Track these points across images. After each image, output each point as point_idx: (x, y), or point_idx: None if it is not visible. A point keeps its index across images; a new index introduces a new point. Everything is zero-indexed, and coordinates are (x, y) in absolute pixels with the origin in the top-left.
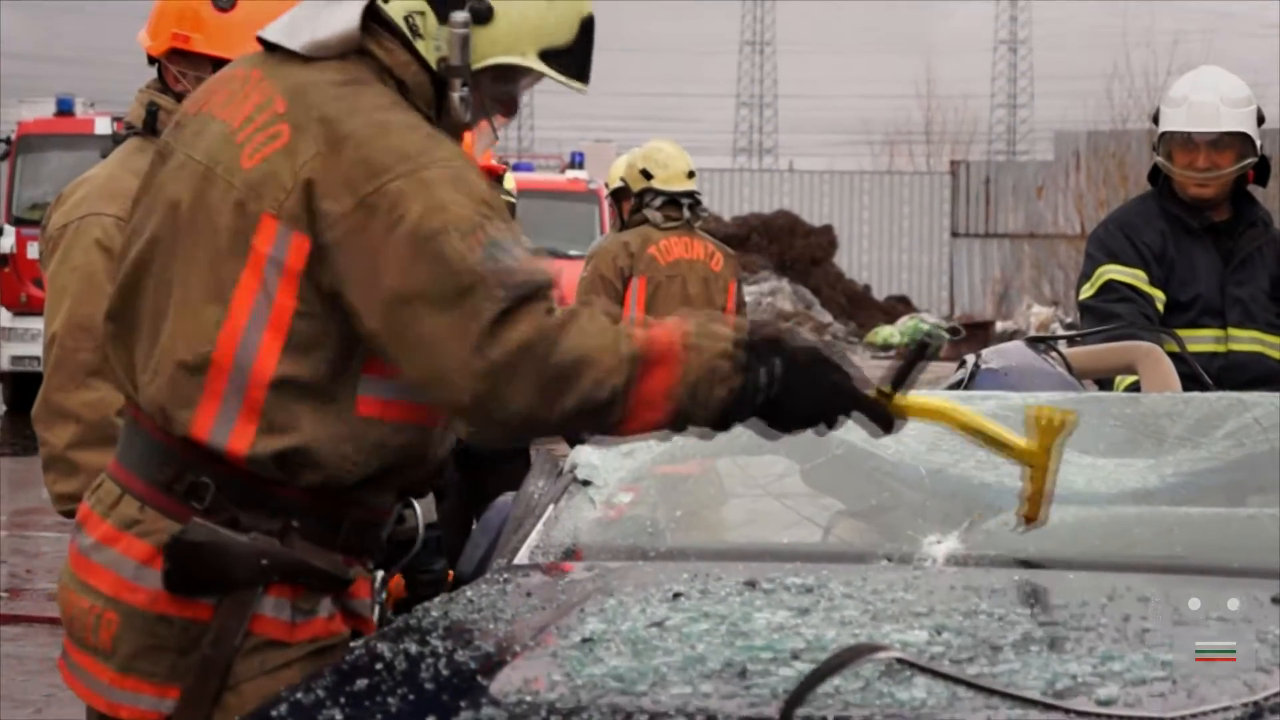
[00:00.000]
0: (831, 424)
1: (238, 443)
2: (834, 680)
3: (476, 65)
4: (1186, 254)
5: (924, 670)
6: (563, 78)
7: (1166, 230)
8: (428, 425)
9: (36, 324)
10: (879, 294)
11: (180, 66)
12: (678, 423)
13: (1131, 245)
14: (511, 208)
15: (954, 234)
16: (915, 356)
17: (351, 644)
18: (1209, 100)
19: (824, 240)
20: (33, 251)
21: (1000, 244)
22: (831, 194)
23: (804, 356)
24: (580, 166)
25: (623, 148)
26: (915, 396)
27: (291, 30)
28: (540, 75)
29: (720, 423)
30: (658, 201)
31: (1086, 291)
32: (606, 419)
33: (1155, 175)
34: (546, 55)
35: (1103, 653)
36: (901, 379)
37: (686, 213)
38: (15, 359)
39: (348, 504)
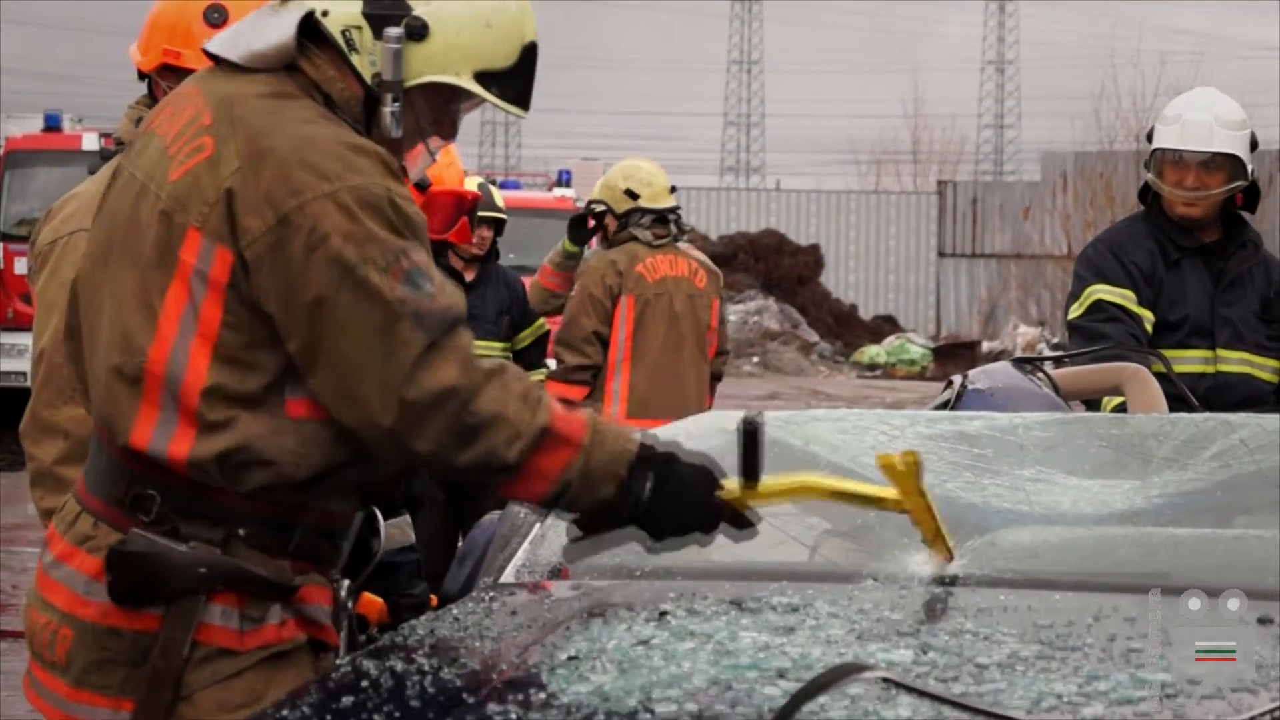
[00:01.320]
0: (707, 532)
1: (177, 448)
2: (820, 699)
3: (410, 83)
4: (1175, 274)
5: (910, 690)
6: (499, 101)
7: (1155, 250)
8: None
9: (23, 339)
10: (865, 313)
11: (171, 82)
12: (559, 502)
13: (1120, 265)
14: (500, 224)
15: (941, 254)
16: (750, 443)
17: (337, 661)
18: (1203, 120)
19: (811, 259)
20: (20, 267)
21: (987, 264)
22: (818, 213)
23: (688, 477)
24: (568, 185)
25: (610, 166)
26: (773, 480)
27: (233, 41)
28: (479, 99)
29: (595, 518)
30: (646, 220)
31: (1075, 311)
32: (499, 477)
33: (1145, 194)
34: (484, 77)
35: (1088, 672)
36: (752, 468)
37: (674, 228)
38: (2, 374)
39: (299, 510)
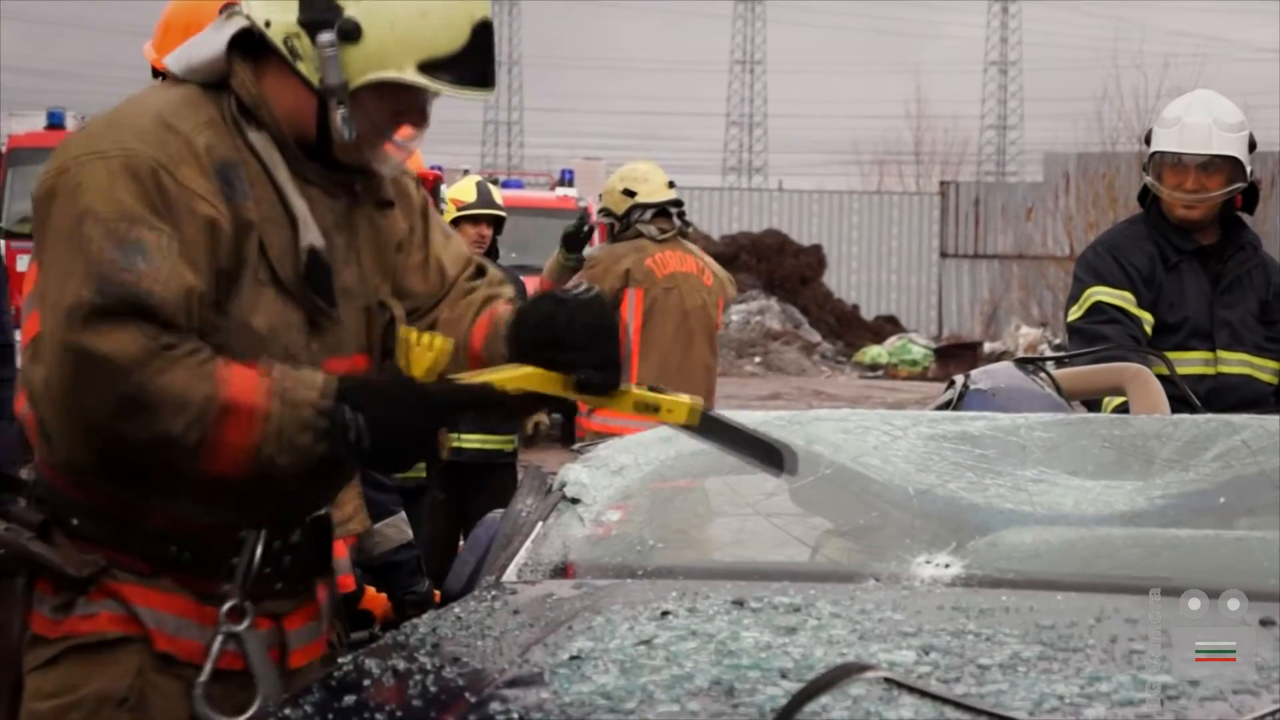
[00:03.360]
0: (433, 441)
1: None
2: (822, 699)
3: (354, 83)
4: (1174, 277)
5: (911, 690)
6: (449, 89)
7: (1155, 253)
8: None
9: None
10: (867, 314)
11: None
12: (263, 467)
13: (1119, 267)
14: (499, 222)
15: (943, 254)
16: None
17: (340, 660)
18: (1202, 123)
19: (813, 260)
20: (23, 265)
21: (989, 265)
22: (820, 213)
23: (389, 390)
24: (570, 184)
25: (612, 165)
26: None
27: (181, 56)
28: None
29: (321, 472)
30: (648, 215)
31: (1074, 313)
32: (185, 457)
33: (1144, 196)
34: (430, 67)
35: (1090, 673)
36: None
37: (677, 221)
38: None
39: (135, 510)
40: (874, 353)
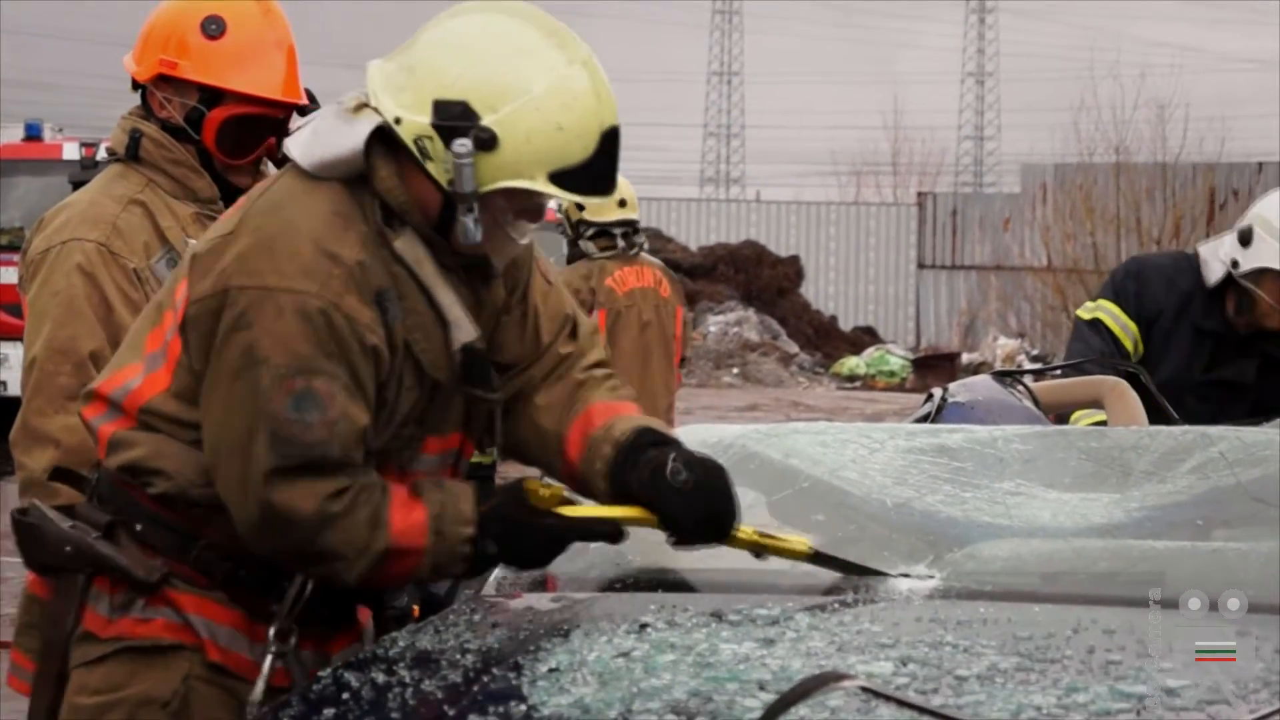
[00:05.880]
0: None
1: (105, 430)
2: (799, 710)
3: (485, 189)
4: (1176, 339)
5: (889, 699)
6: (576, 197)
7: (1196, 340)
8: None
9: (5, 349)
10: (845, 325)
11: (166, 93)
12: (414, 583)
13: (1137, 300)
14: None
15: (920, 265)
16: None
17: (319, 673)
18: None
19: (790, 271)
20: (1, 277)
21: (967, 276)
22: (798, 224)
23: (524, 528)
24: None
25: None
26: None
27: (310, 144)
28: None
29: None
30: (590, 232)
31: (1083, 313)
32: (349, 586)
33: (1224, 287)
34: (558, 176)
35: (1067, 684)
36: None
37: (621, 241)
38: None
39: (200, 524)
40: (852, 364)
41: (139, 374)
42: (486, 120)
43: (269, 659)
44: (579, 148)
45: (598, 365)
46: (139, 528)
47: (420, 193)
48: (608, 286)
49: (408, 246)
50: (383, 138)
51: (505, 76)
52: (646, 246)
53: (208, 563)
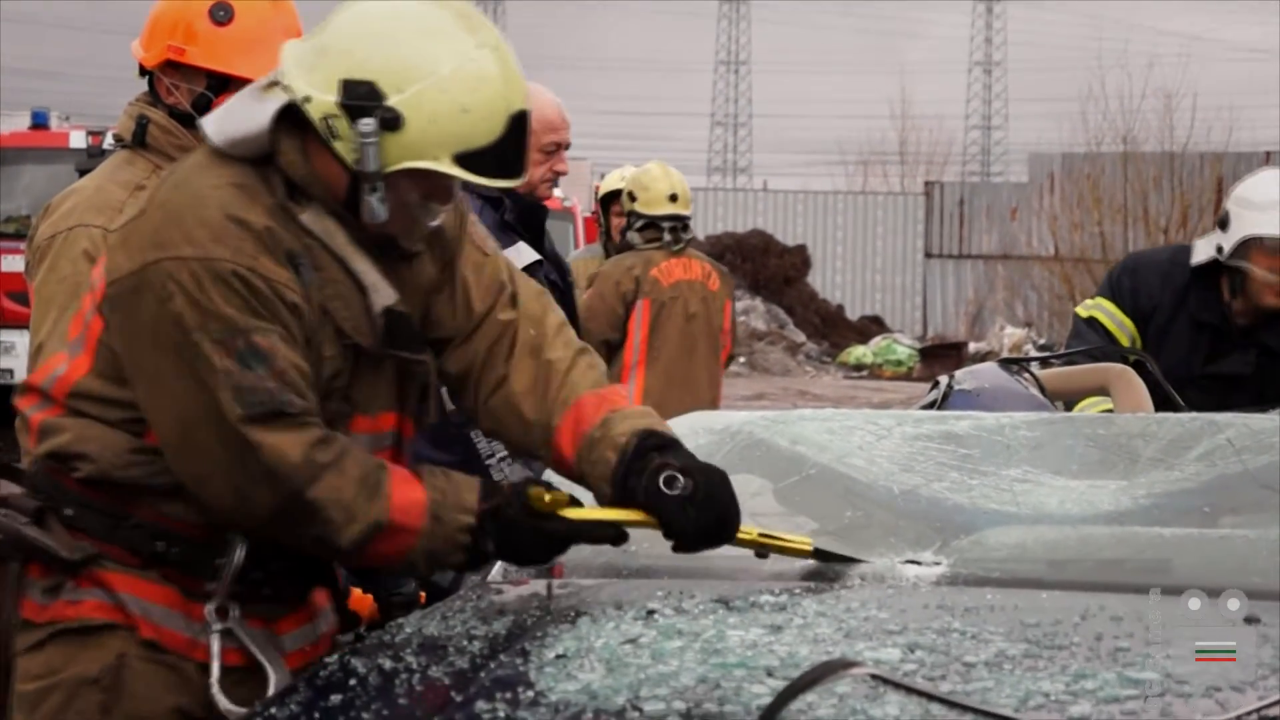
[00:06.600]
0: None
1: (34, 418)
2: (807, 696)
3: (389, 169)
4: (1174, 336)
5: (897, 686)
6: (482, 179)
7: (1194, 334)
8: None
9: (10, 336)
10: (852, 314)
11: (174, 79)
12: (408, 571)
13: (1133, 300)
14: None
15: (928, 254)
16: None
17: (325, 660)
18: None
19: (798, 260)
20: (7, 264)
21: (974, 265)
22: (805, 214)
23: (520, 528)
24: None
25: (597, 165)
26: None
27: (222, 121)
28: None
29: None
30: (639, 224)
31: (1082, 311)
32: (338, 556)
33: (1207, 269)
34: (464, 158)
35: (1075, 671)
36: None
37: (667, 235)
38: None
39: (129, 504)
40: (859, 353)
41: (64, 361)
42: (392, 100)
43: (215, 638)
44: (485, 130)
45: (560, 332)
46: (69, 512)
47: (327, 171)
48: (653, 277)
49: (315, 220)
50: (292, 116)
51: (413, 58)
52: (684, 244)
53: (136, 541)
